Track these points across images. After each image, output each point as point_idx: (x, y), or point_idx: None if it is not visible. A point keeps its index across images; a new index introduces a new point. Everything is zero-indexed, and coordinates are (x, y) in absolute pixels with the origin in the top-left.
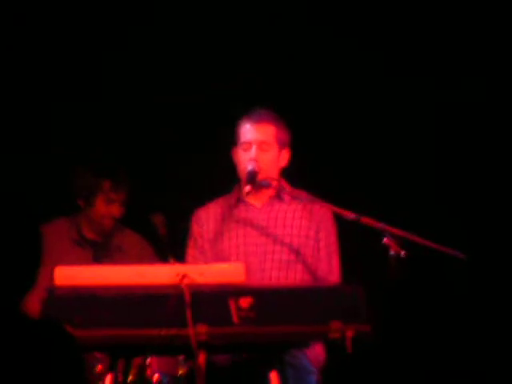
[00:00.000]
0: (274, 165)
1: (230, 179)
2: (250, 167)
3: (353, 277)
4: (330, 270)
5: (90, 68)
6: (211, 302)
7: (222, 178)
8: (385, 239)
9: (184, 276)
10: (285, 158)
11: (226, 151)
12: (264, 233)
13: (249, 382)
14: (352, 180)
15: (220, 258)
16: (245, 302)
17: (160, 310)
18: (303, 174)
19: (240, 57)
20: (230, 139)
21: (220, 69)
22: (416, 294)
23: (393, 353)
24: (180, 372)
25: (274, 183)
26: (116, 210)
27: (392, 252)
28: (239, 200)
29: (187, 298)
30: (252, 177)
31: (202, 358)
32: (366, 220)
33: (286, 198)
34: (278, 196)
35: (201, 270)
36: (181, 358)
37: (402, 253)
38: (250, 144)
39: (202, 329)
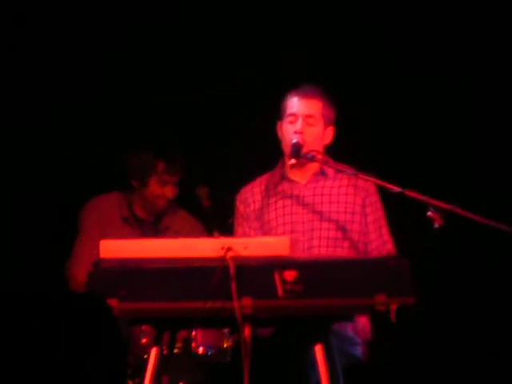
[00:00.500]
0: (318, 140)
1: (273, 157)
2: (294, 140)
3: (397, 250)
4: (383, 243)
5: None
6: (256, 275)
7: (265, 156)
8: (429, 212)
9: (229, 249)
10: (329, 135)
11: (271, 126)
12: (310, 210)
13: (293, 354)
14: (395, 154)
15: (266, 233)
16: (290, 274)
17: (205, 283)
18: (346, 149)
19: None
20: (275, 115)
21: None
22: (460, 267)
23: (438, 325)
24: (225, 345)
25: (319, 156)
26: (169, 191)
27: (436, 225)
28: (283, 177)
29: (232, 270)
30: (297, 149)
31: (247, 331)
32: (411, 193)
33: (331, 173)
34: (323, 172)
35: (246, 243)
36: (226, 330)
37: (446, 226)
38: (296, 116)
39: (247, 302)
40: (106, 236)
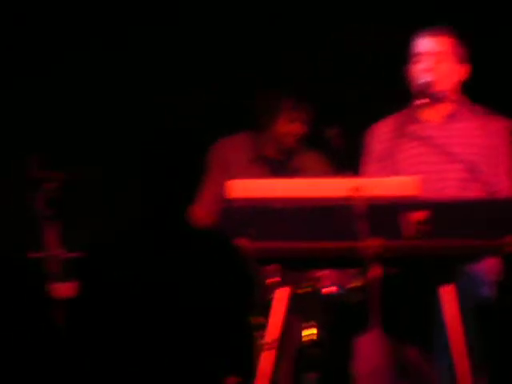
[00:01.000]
0: (450, 77)
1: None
2: (423, 79)
3: None
4: None
5: None
6: (385, 215)
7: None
8: None
9: (358, 189)
10: (463, 72)
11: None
12: (440, 151)
13: (421, 295)
14: None
15: (394, 174)
16: (419, 215)
17: (334, 223)
18: (481, 90)
19: None
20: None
21: None
22: None
23: None
24: (354, 285)
25: (450, 95)
26: (298, 128)
27: None
28: (414, 117)
29: (362, 210)
30: (426, 88)
31: (376, 271)
32: None
33: (464, 114)
34: (456, 113)
35: (375, 183)
36: (355, 271)
37: None
38: (423, 55)
39: (377, 242)
40: (236, 177)
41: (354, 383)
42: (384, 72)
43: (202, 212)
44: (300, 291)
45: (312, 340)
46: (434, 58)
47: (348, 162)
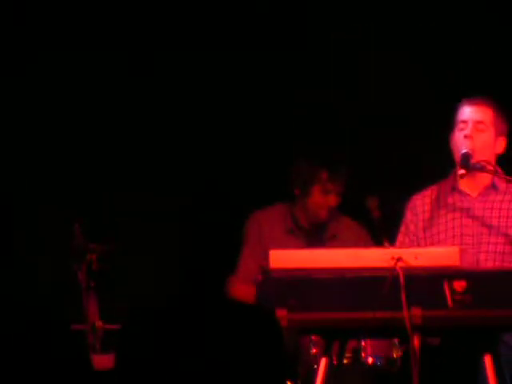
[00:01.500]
0: (488, 148)
1: (446, 166)
2: (464, 150)
3: None
4: None
5: None
6: (425, 285)
7: (438, 165)
8: None
9: (399, 259)
10: (501, 145)
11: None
12: (480, 223)
13: (462, 364)
14: None
15: (434, 245)
16: (459, 285)
17: (374, 293)
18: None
19: None
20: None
21: None
22: None
23: None
24: (394, 355)
25: (489, 167)
26: (332, 200)
27: None
28: (454, 188)
29: (402, 280)
30: (466, 159)
31: (416, 341)
32: None
33: (501, 186)
34: (493, 185)
35: (415, 254)
36: (395, 340)
37: None
38: (466, 123)
39: (417, 312)
40: (267, 250)
41: None
42: (431, 137)
43: (239, 284)
44: (342, 361)
45: None
46: (474, 126)
47: (388, 231)
